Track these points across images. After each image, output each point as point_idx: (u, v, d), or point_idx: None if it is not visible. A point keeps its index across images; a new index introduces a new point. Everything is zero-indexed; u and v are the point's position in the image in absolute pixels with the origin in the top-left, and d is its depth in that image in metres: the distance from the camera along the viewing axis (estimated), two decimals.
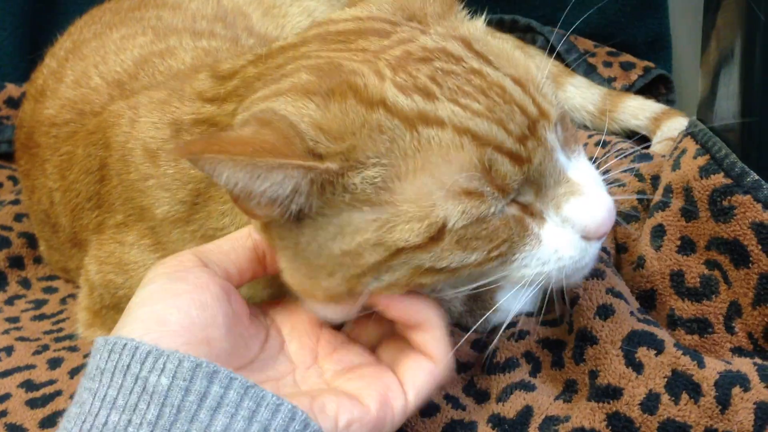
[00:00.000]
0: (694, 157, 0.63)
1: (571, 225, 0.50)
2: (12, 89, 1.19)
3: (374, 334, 0.57)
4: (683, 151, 0.65)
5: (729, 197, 0.59)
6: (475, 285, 0.51)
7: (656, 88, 1.12)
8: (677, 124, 0.96)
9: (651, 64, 1.12)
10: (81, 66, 0.79)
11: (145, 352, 0.43)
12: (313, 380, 0.53)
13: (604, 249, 0.67)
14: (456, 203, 0.46)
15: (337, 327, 0.58)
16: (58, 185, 0.75)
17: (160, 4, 0.92)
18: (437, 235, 0.46)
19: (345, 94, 0.46)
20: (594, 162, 0.86)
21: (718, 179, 0.60)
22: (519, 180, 0.47)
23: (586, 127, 1.04)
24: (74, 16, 0.96)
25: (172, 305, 0.46)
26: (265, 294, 0.60)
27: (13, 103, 1.17)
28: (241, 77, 0.57)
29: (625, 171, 0.74)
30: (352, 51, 0.50)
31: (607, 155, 0.83)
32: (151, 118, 0.63)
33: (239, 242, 0.54)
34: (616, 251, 0.69)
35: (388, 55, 0.49)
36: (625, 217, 0.70)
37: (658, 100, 1.05)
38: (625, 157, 0.79)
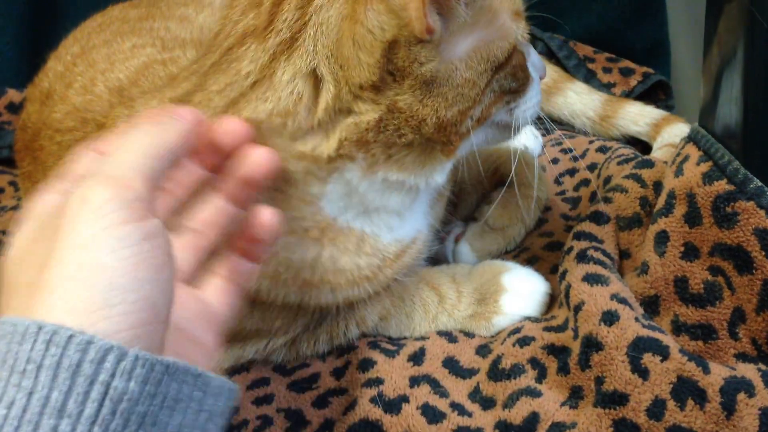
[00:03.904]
0: (697, 164, 0.63)
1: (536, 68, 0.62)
2: (13, 94, 1.19)
3: None
4: (686, 158, 0.66)
5: (732, 204, 0.59)
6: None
7: (655, 94, 1.13)
8: (677, 130, 0.97)
9: (650, 70, 1.13)
10: (90, 72, 0.79)
11: (104, 350, 0.35)
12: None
13: (608, 255, 0.67)
14: (515, 24, 0.57)
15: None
16: None
17: (167, 16, 0.92)
18: (510, 55, 0.56)
19: None
20: (596, 168, 0.87)
21: (722, 186, 0.60)
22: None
23: (586, 134, 1.05)
24: (76, 22, 0.96)
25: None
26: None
27: (14, 108, 1.17)
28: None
29: (626, 177, 0.74)
30: None
31: (609, 161, 0.84)
32: None
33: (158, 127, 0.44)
34: (620, 257, 0.69)
35: None
36: (628, 222, 0.70)
37: (658, 106, 1.05)
38: (627, 163, 0.79)
